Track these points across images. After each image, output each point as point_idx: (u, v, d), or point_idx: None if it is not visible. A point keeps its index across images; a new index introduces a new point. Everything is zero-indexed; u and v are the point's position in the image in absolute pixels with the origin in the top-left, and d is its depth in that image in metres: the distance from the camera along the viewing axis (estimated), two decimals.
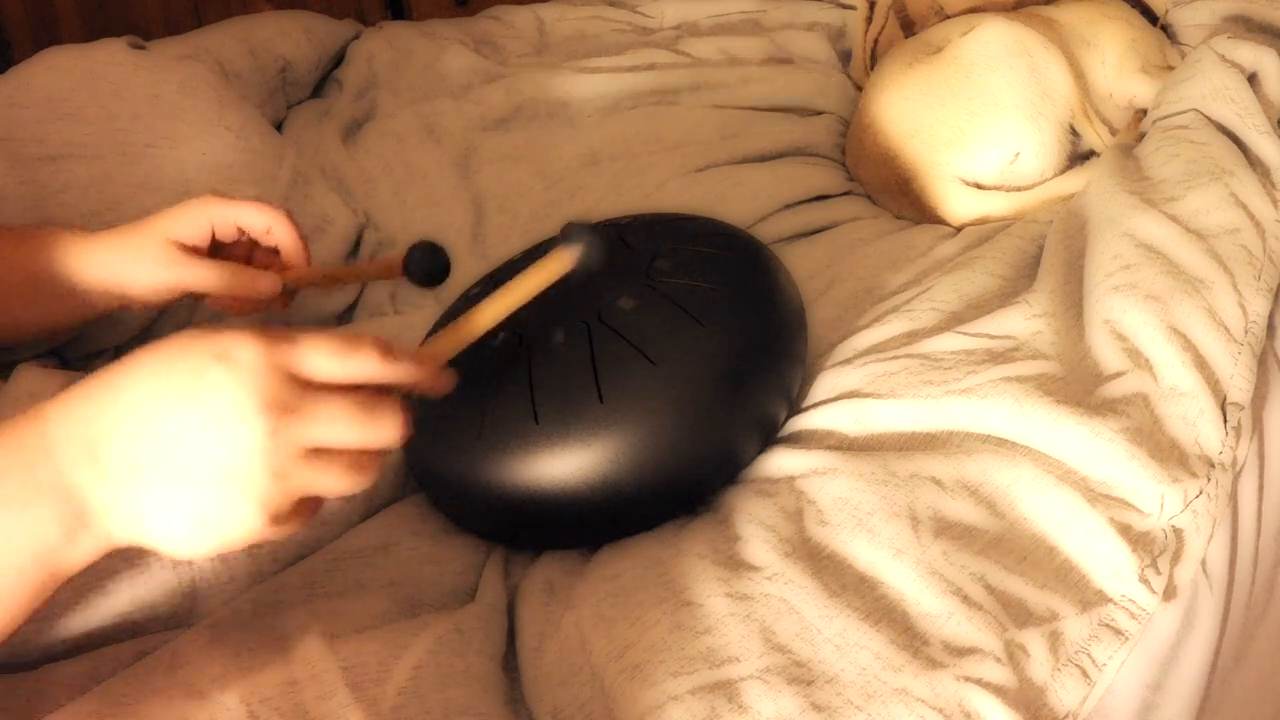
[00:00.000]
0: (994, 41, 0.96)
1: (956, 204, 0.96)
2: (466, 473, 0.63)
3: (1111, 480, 0.62)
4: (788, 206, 0.99)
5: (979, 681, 0.53)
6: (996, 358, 0.70)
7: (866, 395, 0.69)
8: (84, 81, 0.89)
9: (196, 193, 0.69)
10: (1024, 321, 0.73)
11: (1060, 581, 0.58)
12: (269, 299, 0.70)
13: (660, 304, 0.65)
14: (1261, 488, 0.67)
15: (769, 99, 1.14)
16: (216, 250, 0.70)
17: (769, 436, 0.69)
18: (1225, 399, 0.66)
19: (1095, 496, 0.61)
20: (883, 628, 0.55)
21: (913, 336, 0.74)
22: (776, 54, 1.24)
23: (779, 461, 0.67)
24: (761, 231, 0.95)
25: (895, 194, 1.00)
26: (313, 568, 0.63)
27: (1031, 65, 0.95)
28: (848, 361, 0.73)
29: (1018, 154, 0.94)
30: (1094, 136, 0.97)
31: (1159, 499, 0.61)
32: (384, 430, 0.48)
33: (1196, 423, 0.64)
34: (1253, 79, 0.89)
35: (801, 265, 0.88)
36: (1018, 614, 0.56)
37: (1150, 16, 1.08)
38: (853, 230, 0.96)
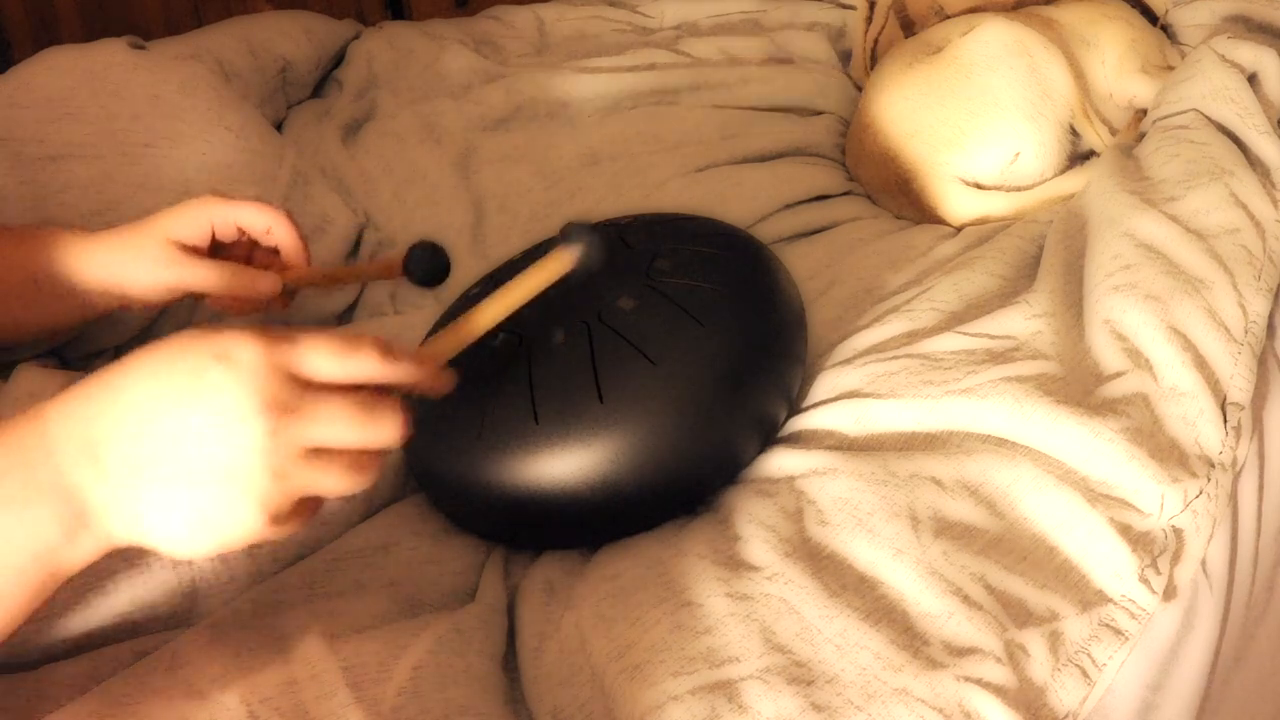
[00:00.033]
0: (994, 41, 0.96)
1: (956, 204, 0.96)
2: (466, 473, 0.63)
3: (1111, 480, 0.62)
4: (788, 206, 0.99)
5: (979, 681, 0.53)
6: (996, 358, 0.70)
7: (866, 395, 0.69)
8: (84, 81, 0.89)
9: (196, 193, 0.69)
10: (1024, 321, 0.73)
11: (1060, 581, 0.58)
12: (269, 299, 0.70)
13: (660, 304, 0.65)
14: (1261, 488, 0.67)
15: (769, 99, 1.14)
16: (217, 250, 0.70)
17: (769, 436, 0.69)
18: (1225, 399, 0.66)
19: (1095, 496, 0.61)
20: (883, 628, 0.55)
21: (913, 336, 0.74)
22: (776, 54, 1.24)
23: (779, 461, 0.67)
24: (761, 231, 0.95)
25: (895, 194, 1.00)
26: (313, 568, 0.63)
27: (1031, 65, 0.95)
28: (848, 361, 0.73)
29: (1018, 154, 0.94)
30: (1094, 136, 0.97)
31: (1159, 499, 0.61)
32: (384, 430, 0.48)
33: (1196, 423, 0.64)
34: (1253, 79, 0.89)
35: (801, 265, 0.88)
36: (1018, 614, 0.56)
37: (1150, 16, 1.08)
38: (853, 230, 0.96)
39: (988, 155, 0.94)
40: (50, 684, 0.55)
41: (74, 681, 0.55)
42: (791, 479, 0.65)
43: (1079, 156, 0.97)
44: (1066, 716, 0.54)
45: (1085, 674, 0.55)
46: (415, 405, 0.51)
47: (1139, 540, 0.59)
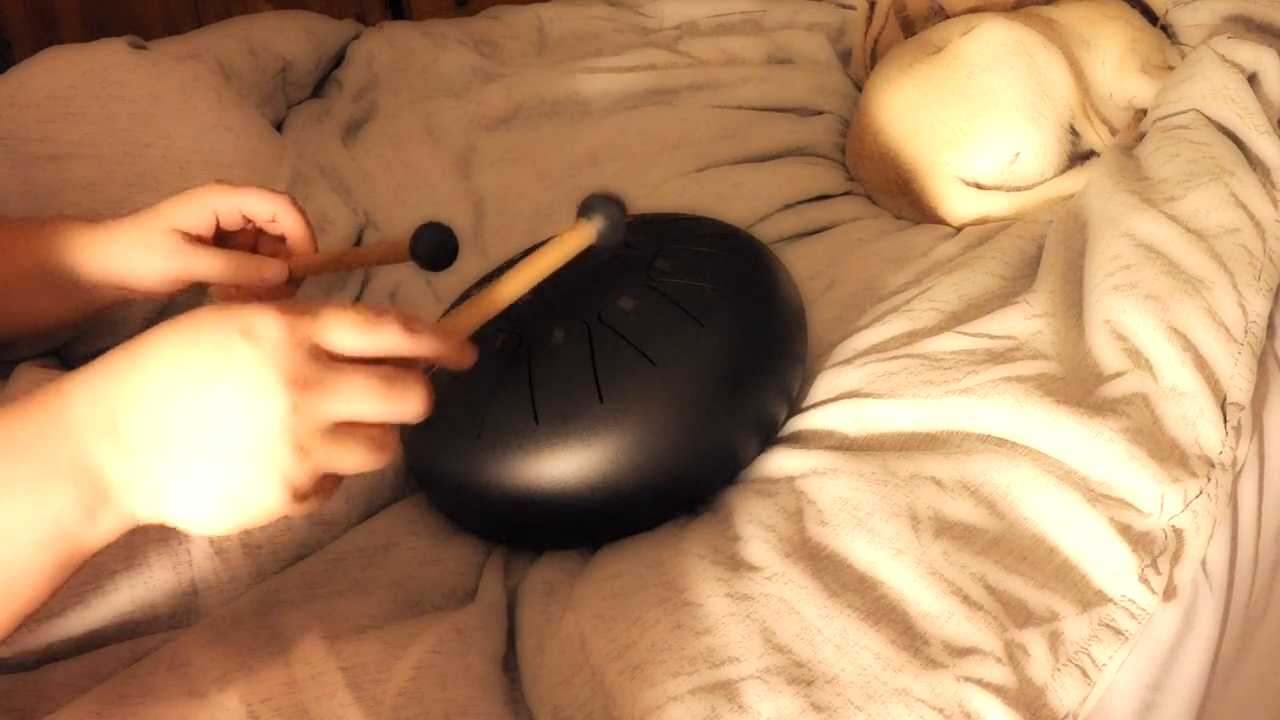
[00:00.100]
0: (994, 41, 0.96)
1: (956, 204, 0.96)
2: (466, 473, 0.63)
3: (1111, 480, 0.62)
4: (788, 206, 0.99)
5: (979, 681, 0.53)
6: (996, 358, 0.70)
7: (866, 395, 0.69)
8: (84, 81, 0.89)
9: None
10: (1024, 321, 0.73)
11: (1060, 581, 0.58)
12: (275, 286, 0.69)
13: (660, 304, 0.65)
14: (1261, 488, 0.67)
15: (769, 99, 1.14)
16: (222, 239, 0.69)
17: (769, 436, 0.69)
18: (1225, 399, 0.66)
19: (1095, 496, 0.61)
20: (883, 628, 0.55)
21: (913, 336, 0.74)
22: (776, 54, 1.24)
23: (779, 461, 0.67)
24: (761, 231, 0.95)
25: (895, 194, 1.00)
26: (313, 568, 0.63)
27: (1031, 65, 0.95)
28: (848, 361, 0.73)
29: (1018, 154, 0.94)
30: (1094, 136, 0.97)
31: (1159, 499, 0.61)
32: (408, 404, 0.47)
33: (1196, 423, 0.64)
34: (1253, 79, 0.89)
35: (801, 265, 0.88)
36: (1018, 614, 0.56)
37: (1150, 16, 1.08)
38: (853, 230, 0.96)
39: (988, 155, 0.94)
40: (50, 684, 0.55)
41: (74, 681, 0.55)
42: (791, 479, 0.65)
43: (1079, 156, 0.97)
44: (1066, 716, 0.54)
45: (1085, 674, 0.55)
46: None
47: (1139, 540, 0.59)
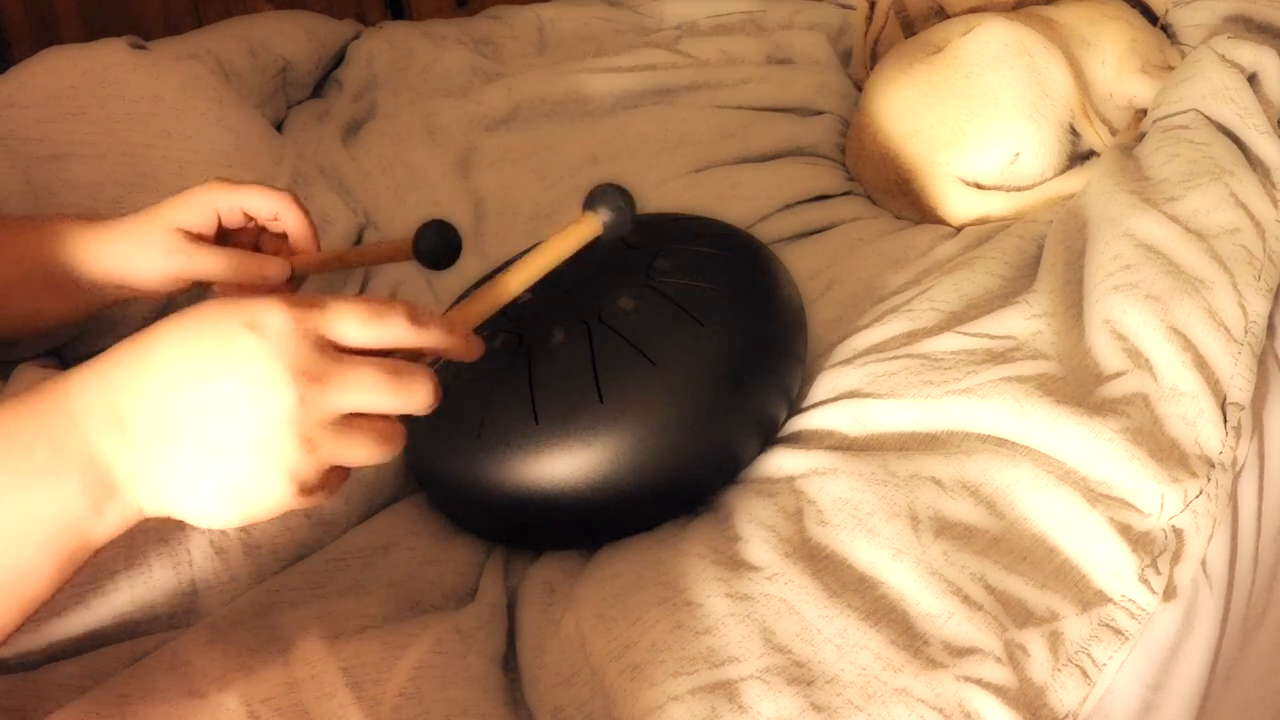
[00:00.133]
0: (994, 41, 0.96)
1: (956, 204, 0.96)
2: (466, 473, 0.63)
3: (1111, 480, 0.62)
4: (788, 206, 0.99)
5: (979, 681, 0.53)
6: (996, 358, 0.70)
7: (866, 395, 0.69)
8: (84, 81, 0.89)
9: None
10: (1024, 321, 0.73)
11: (1060, 581, 0.58)
12: (277, 285, 0.69)
13: (660, 304, 0.65)
14: (1261, 488, 0.67)
15: (769, 99, 1.14)
16: (224, 238, 0.69)
17: (769, 436, 0.69)
18: (1225, 399, 0.66)
19: (1095, 496, 0.61)
20: (883, 628, 0.55)
21: (913, 336, 0.74)
22: (776, 54, 1.24)
23: (779, 461, 0.67)
24: (761, 231, 0.95)
25: (895, 194, 1.00)
26: (313, 568, 0.63)
27: (1031, 65, 0.95)
28: (848, 361, 0.73)
29: (1018, 154, 0.94)
30: (1094, 136, 0.97)
31: (1159, 499, 0.61)
32: (415, 396, 0.47)
33: (1196, 423, 0.64)
34: (1253, 79, 0.89)
35: (801, 265, 0.88)
36: (1018, 614, 0.56)
37: (1150, 16, 1.08)
38: (853, 230, 0.96)
39: (988, 155, 0.94)
40: (50, 684, 0.54)
41: (74, 681, 0.55)
42: (791, 479, 0.65)
43: (1079, 156, 0.97)
44: (1066, 716, 0.54)
45: (1085, 674, 0.55)
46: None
47: (1139, 540, 0.59)
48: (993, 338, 0.72)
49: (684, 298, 0.65)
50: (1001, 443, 0.65)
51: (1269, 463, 0.68)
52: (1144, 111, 0.97)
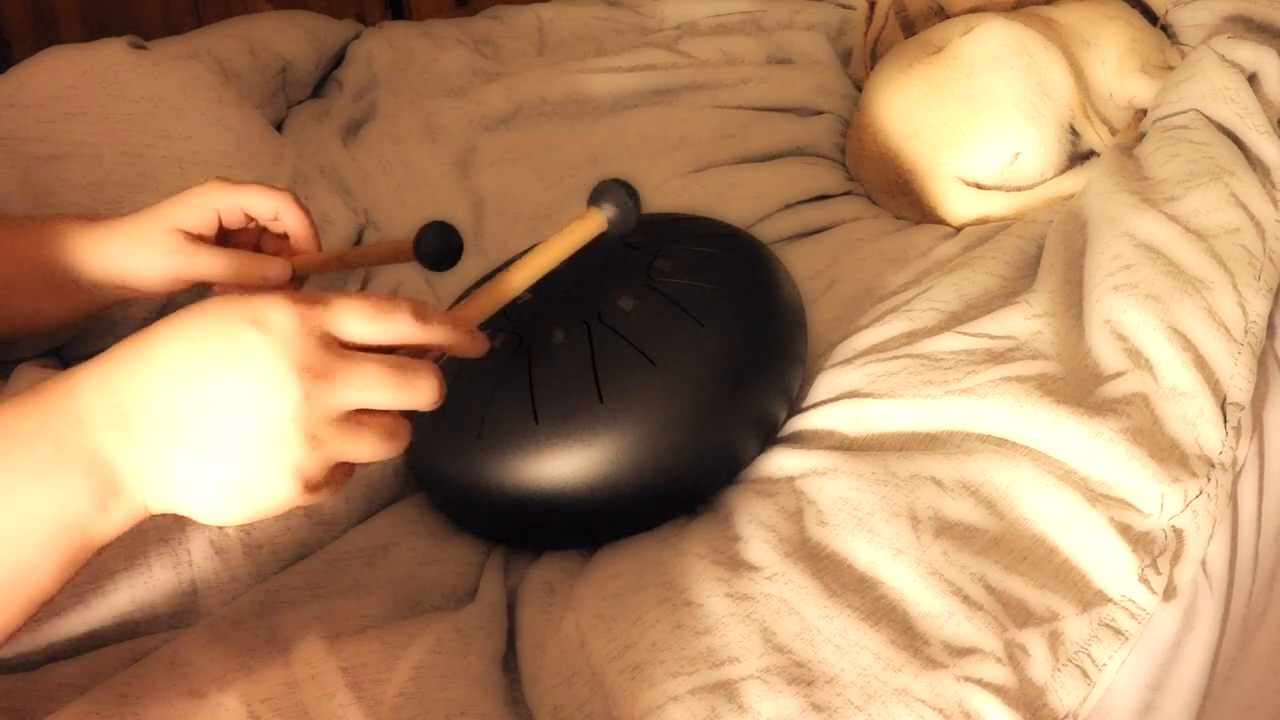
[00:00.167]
0: (994, 41, 0.96)
1: (956, 204, 0.96)
2: (466, 473, 0.63)
3: (1111, 480, 0.62)
4: (788, 206, 0.99)
5: (979, 681, 0.53)
6: (996, 358, 0.70)
7: (866, 395, 0.69)
8: (84, 81, 0.89)
9: None
10: (1024, 321, 0.73)
11: (1060, 581, 0.58)
12: (278, 286, 0.68)
13: (660, 304, 0.65)
14: (1261, 488, 0.67)
15: (769, 99, 1.14)
16: (225, 238, 0.69)
17: (769, 436, 0.69)
18: (1225, 399, 0.66)
19: (1095, 496, 0.61)
20: (883, 628, 0.55)
21: (913, 336, 0.74)
22: (776, 54, 1.24)
23: (779, 461, 0.67)
24: (761, 231, 0.95)
25: (895, 194, 1.00)
26: (313, 568, 0.63)
27: (1031, 65, 0.95)
28: (848, 361, 0.73)
29: (1018, 154, 0.94)
30: (1094, 136, 0.97)
31: (1159, 499, 0.61)
32: (420, 392, 0.47)
33: (1196, 423, 0.64)
34: (1253, 79, 0.89)
35: (801, 265, 0.88)
36: (1018, 614, 0.56)
37: (1150, 16, 1.08)
38: (853, 230, 0.96)
39: (988, 155, 0.94)
40: (50, 684, 0.54)
41: (74, 681, 0.55)
42: (791, 479, 0.65)
43: (1079, 156, 0.97)
44: (1066, 716, 0.54)
45: (1085, 674, 0.55)
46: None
47: (1139, 540, 0.59)
48: (993, 338, 0.72)
49: (684, 298, 0.65)
50: (1001, 443, 0.65)
51: (1269, 463, 0.68)
52: (1144, 111, 0.97)
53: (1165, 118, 0.89)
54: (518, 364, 0.64)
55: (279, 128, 1.15)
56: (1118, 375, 0.68)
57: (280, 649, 0.55)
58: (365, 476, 0.69)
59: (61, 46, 0.94)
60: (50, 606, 0.54)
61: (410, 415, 0.48)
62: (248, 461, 0.43)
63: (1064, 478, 0.62)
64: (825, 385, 0.72)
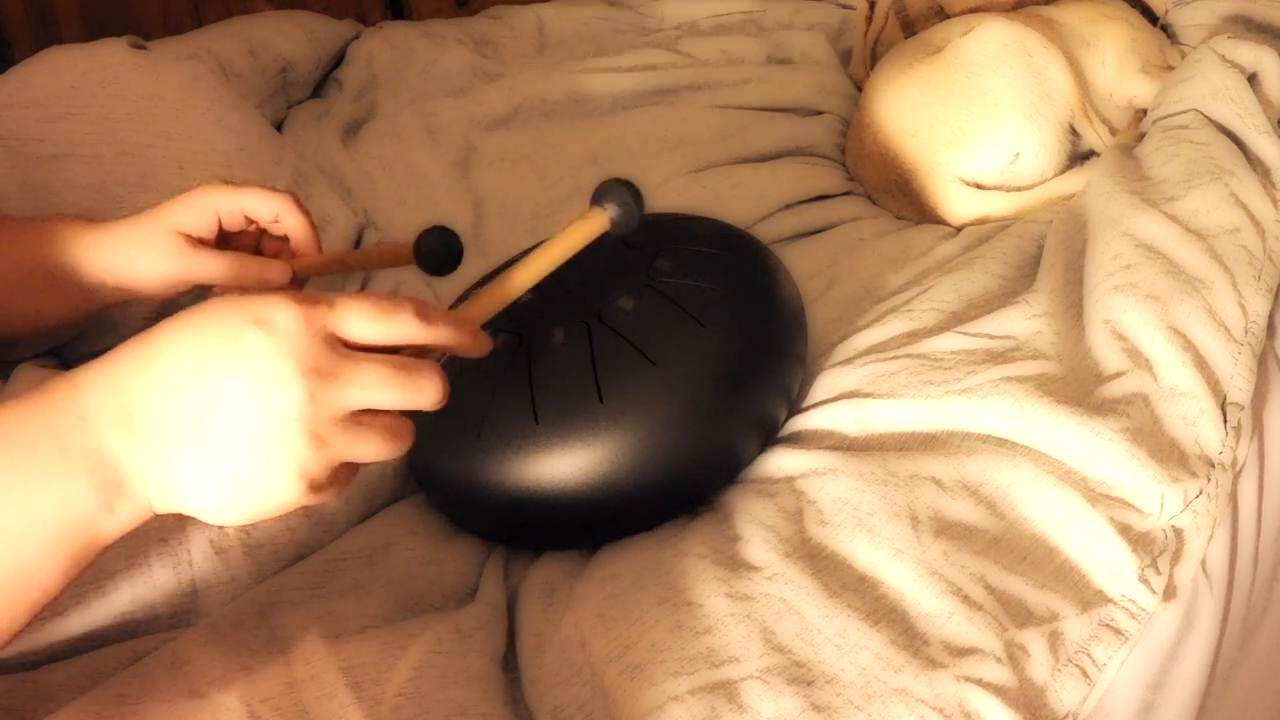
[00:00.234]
0: (994, 41, 0.96)
1: (956, 204, 0.96)
2: (466, 473, 0.63)
3: (1111, 480, 0.62)
4: (788, 206, 0.99)
5: (979, 681, 0.53)
6: (996, 358, 0.70)
7: (866, 395, 0.69)
8: (84, 81, 0.89)
9: None
10: (1024, 321, 0.73)
11: (1060, 581, 0.58)
12: (279, 288, 0.68)
13: (660, 304, 0.65)
14: (1261, 488, 0.67)
15: (769, 99, 1.14)
16: (225, 240, 0.69)
17: (769, 436, 0.69)
18: (1225, 399, 0.66)
19: (1095, 496, 0.61)
20: (883, 628, 0.55)
21: (913, 336, 0.74)
22: (776, 54, 1.24)
23: (779, 461, 0.67)
24: (761, 231, 0.95)
25: (895, 194, 1.00)
26: (313, 568, 0.63)
27: (1031, 65, 0.95)
28: (848, 361, 0.73)
29: (1018, 154, 0.94)
30: (1094, 136, 0.97)
31: (1159, 499, 0.61)
32: (424, 392, 0.47)
33: (1196, 423, 0.64)
34: (1253, 79, 0.89)
35: (801, 265, 0.88)
36: (1018, 614, 0.56)
37: (1150, 16, 1.08)
38: (853, 230, 0.96)
39: (988, 155, 0.94)
40: (50, 684, 0.55)
41: (74, 681, 0.55)
42: (791, 479, 0.65)
43: (1079, 156, 0.97)
44: (1066, 716, 0.54)
45: (1085, 674, 0.55)
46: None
47: (1139, 540, 0.59)
48: (993, 338, 0.72)
49: (684, 298, 0.65)
50: (1001, 443, 0.65)
51: (1269, 463, 0.68)
52: (1144, 111, 0.97)
53: (1165, 118, 0.89)
54: (518, 364, 0.64)
55: (279, 128, 1.15)
56: (1118, 375, 0.68)
57: (280, 649, 0.55)
58: (365, 477, 0.69)
59: (61, 46, 0.94)
60: (50, 606, 0.54)
61: (412, 415, 0.48)
62: (252, 461, 0.43)
63: (1064, 478, 0.62)
64: (825, 385, 0.72)
